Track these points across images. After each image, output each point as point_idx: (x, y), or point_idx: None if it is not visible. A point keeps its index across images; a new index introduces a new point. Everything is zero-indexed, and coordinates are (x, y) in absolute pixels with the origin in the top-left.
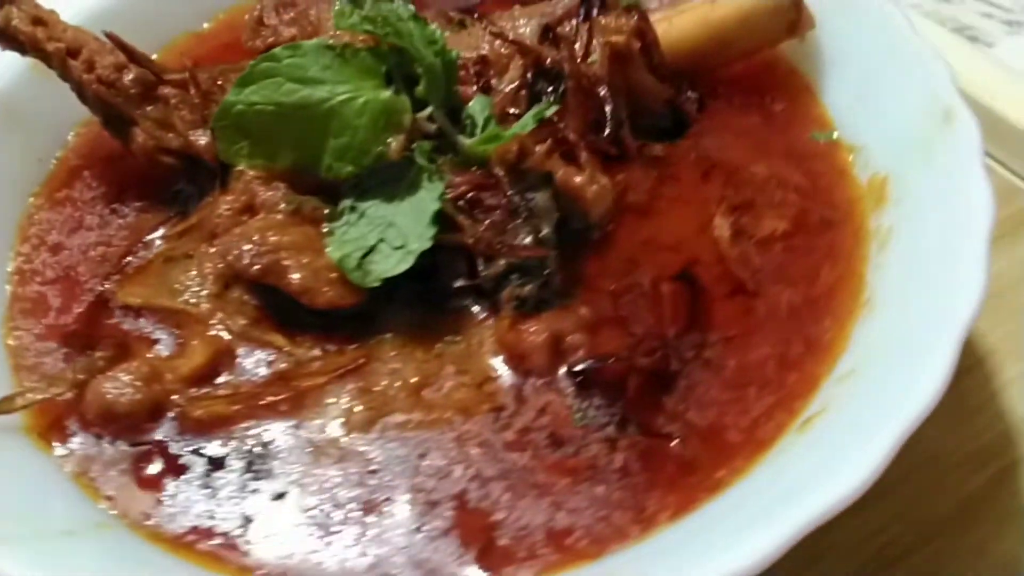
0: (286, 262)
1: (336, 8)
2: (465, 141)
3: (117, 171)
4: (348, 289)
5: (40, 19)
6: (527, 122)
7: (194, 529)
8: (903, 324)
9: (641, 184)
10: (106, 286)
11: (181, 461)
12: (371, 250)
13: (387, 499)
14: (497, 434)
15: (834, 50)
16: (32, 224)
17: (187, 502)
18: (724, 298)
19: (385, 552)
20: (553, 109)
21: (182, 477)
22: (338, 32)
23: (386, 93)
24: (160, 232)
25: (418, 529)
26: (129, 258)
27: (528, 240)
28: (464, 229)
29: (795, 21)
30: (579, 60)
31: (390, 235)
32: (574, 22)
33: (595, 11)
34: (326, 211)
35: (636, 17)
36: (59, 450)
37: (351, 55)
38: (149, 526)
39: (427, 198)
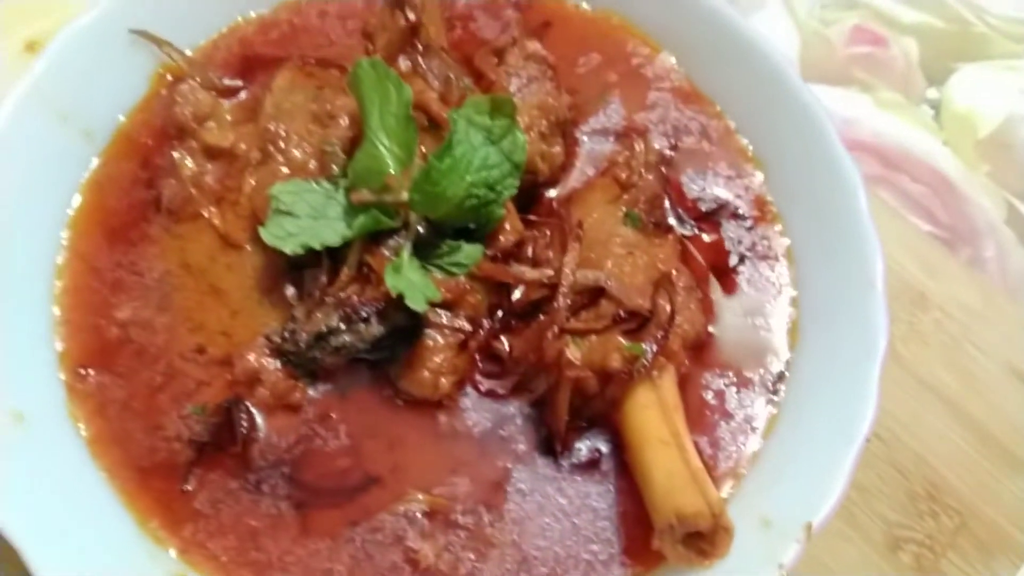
0: (272, 163)
1: None
2: (404, 254)
3: None
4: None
5: None
6: (423, 296)
7: None
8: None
9: (459, 420)
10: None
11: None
12: (287, 214)
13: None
14: (183, 359)
15: None
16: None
17: None
18: None
19: None
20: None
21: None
22: None
23: (390, 166)
24: None
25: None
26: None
27: (318, 329)
28: (337, 276)
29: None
30: (555, 333)
31: (304, 228)
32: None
33: (620, 327)
34: (334, 174)
35: (618, 367)
36: None
37: (414, 130)
38: None
39: (333, 237)
